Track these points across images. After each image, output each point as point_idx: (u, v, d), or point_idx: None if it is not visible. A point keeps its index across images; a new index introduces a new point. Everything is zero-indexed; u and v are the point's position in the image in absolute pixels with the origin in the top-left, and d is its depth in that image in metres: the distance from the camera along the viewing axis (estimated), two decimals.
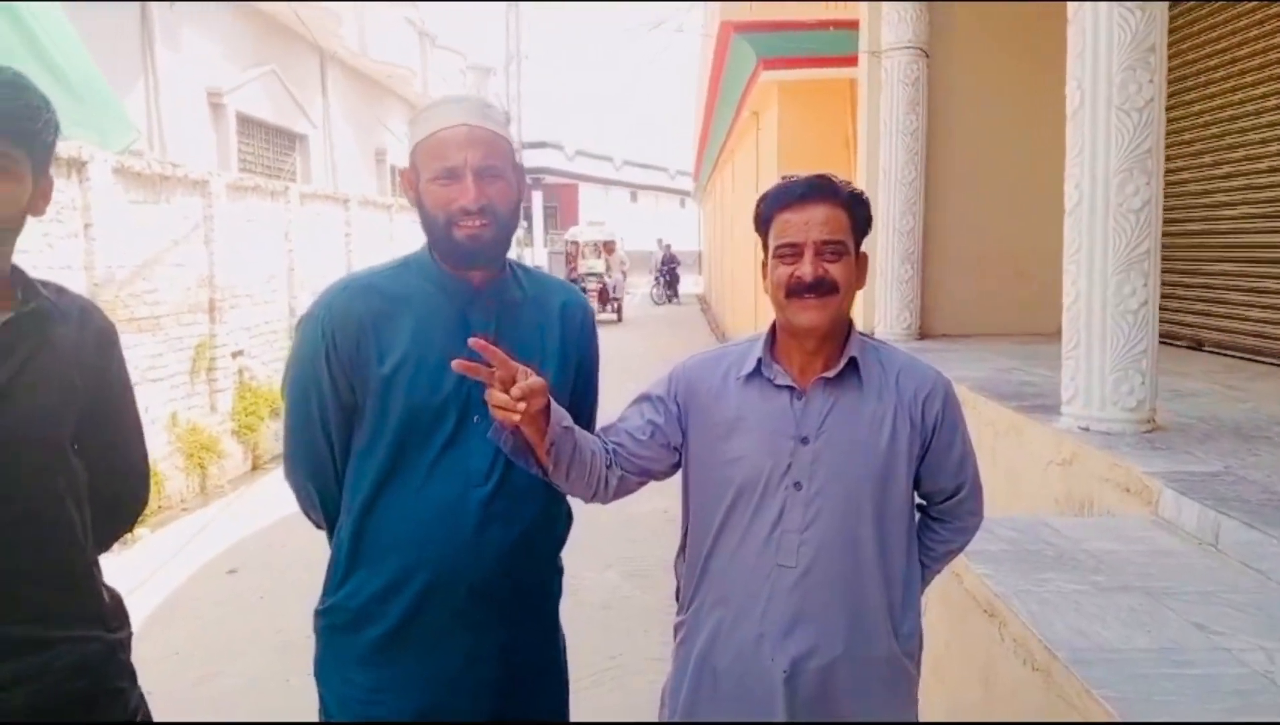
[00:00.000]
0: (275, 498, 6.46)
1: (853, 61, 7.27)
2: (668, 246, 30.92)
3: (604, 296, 22.61)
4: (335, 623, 1.80)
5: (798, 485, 1.62)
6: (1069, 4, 3.21)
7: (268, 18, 11.51)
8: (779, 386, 1.66)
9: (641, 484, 1.77)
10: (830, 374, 1.64)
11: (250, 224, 8.70)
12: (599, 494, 1.70)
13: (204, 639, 4.37)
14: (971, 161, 6.28)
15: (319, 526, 1.91)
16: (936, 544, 1.76)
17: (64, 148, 6.01)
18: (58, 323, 1.51)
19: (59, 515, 1.48)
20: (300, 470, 1.85)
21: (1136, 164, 3.05)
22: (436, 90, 18.57)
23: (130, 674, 1.60)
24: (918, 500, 1.74)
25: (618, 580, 5.11)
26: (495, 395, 1.45)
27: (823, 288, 1.60)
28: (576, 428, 1.64)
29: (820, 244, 1.61)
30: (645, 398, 1.77)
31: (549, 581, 1.93)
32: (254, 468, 8.18)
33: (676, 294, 29.84)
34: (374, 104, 15.94)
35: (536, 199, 34.16)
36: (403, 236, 13.23)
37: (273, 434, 8.27)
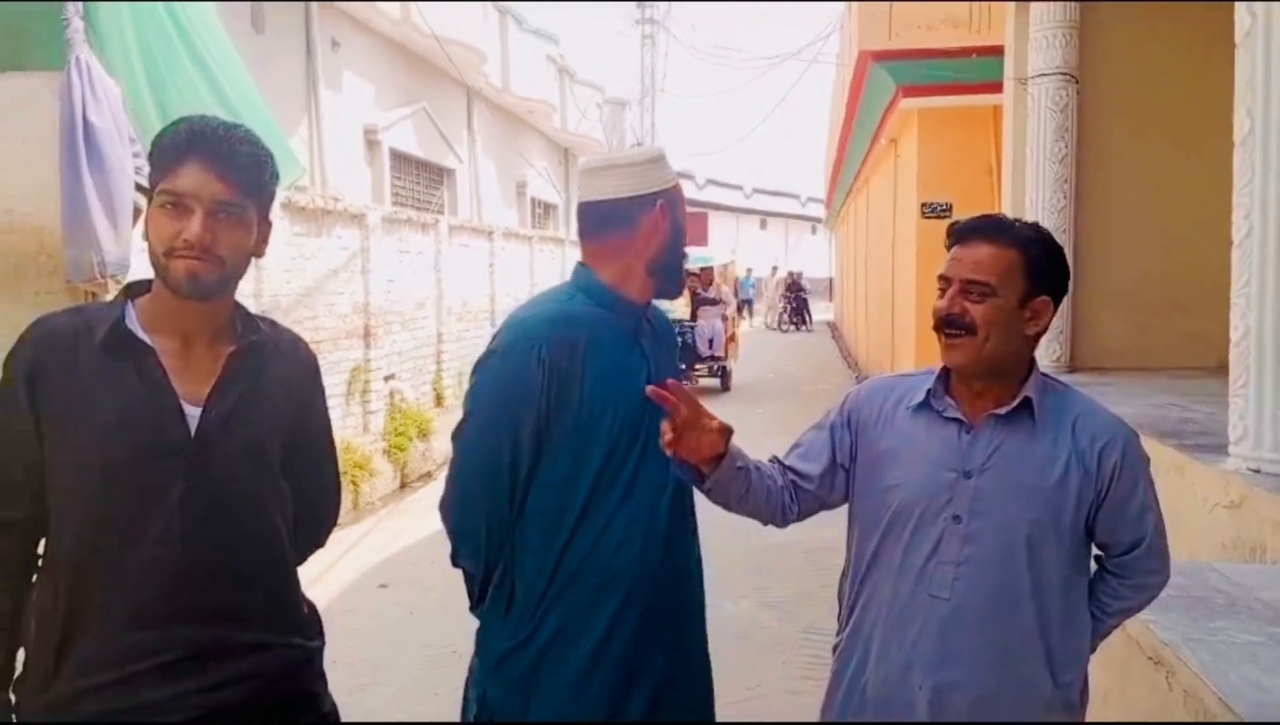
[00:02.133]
0: (423, 515, 6.74)
1: (996, 88, 7.12)
2: (799, 273, 30.70)
3: (693, 356, 13.72)
4: (538, 653, 1.81)
5: (957, 518, 1.64)
6: (1238, 27, 3.10)
7: (418, 58, 12.10)
8: (947, 419, 1.69)
9: (821, 509, 1.85)
10: (1001, 411, 1.65)
11: (403, 255, 9.15)
12: (775, 522, 1.82)
13: (358, 650, 4.59)
14: (1124, 190, 6.05)
15: (473, 572, 1.89)
16: (1111, 599, 1.71)
17: None
18: (272, 355, 1.66)
19: (272, 532, 1.63)
20: (476, 513, 1.84)
21: None
22: (574, 124, 19.07)
23: (323, 679, 1.73)
24: (1095, 552, 1.71)
25: (753, 611, 5.10)
26: (687, 418, 1.62)
27: (957, 326, 1.62)
28: (753, 465, 1.76)
29: (965, 282, 1.63)
30: (820, 425, 1.84)
31: (703, 599, 2.01)
32: (402, 486, 8.54)
33: (806, 321, 29.56)
34: (515, 138, 16.50)
35: None
36: (542, 267, 13.63)
37: (420, 454, 8.62)
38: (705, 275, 14.58)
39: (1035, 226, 1.69)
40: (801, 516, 1.83)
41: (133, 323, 1.55)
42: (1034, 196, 5.96)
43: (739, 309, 18.96)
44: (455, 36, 11.76)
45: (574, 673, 1.79)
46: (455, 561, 1.93)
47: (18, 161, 5.10)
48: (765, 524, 1.84)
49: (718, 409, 1.72)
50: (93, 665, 1.47)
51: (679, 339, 14.34)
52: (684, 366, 14.05)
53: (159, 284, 1.55)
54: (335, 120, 9.92)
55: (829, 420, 1.83)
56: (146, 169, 1.56)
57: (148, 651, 1.48)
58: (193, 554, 1.50)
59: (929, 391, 1.71)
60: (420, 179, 12.59)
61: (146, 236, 1.54)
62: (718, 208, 37.57)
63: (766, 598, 5.27)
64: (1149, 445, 3.52)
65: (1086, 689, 1.69)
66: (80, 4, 4.85)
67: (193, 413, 1.53)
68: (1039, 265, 1.64)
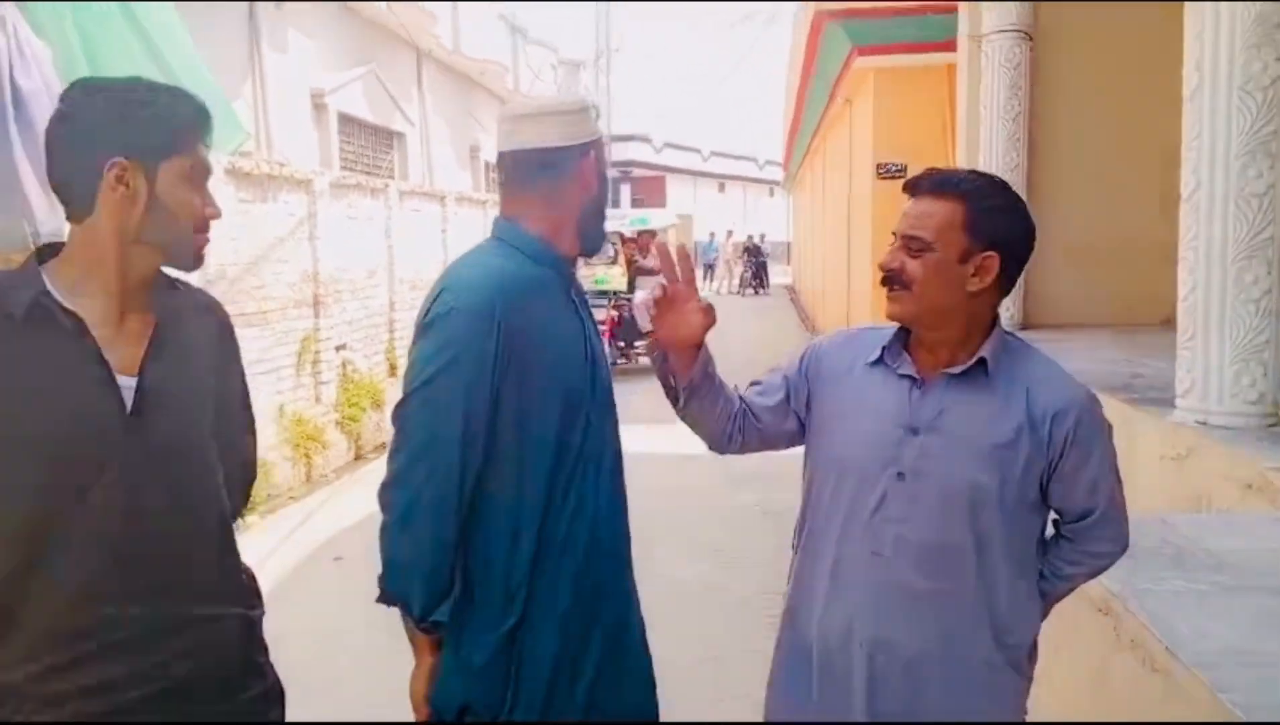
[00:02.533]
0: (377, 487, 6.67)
1: (951, 46, 7.10)
2: (759, 237, 30.73)
3: (616, 328, 12.16)
4: (521, 645, 1.74)
5: (900, 476, 1.62)
6: None
7: (366, 19, 11.80)
8: (901, 375, 1.67)
9: (763, 449, 1.84)
10: (954, 370, 1.63)
11: (352, 221, 8.97)
12: (718, 446, 1.82)
13: (314, 621, 4.54)
14: (1076, 146, 6.09)
15: (432, 596, 1.70)
16: (1062, 563, 1.70)
17: None
18: (191, 318, 1.62)
19: (213, 500, 1.60)
20: (443, 513, 1.67)
21: (1259, 147, 2.92)
22: (528, 85, 18.80)
23: (265, 649, 1.70)
24: (1052, 515, 1.70)
25: (712, 573, 5.12)
26: (677, 290, 1.68)
27: (896, 281, 1.61)
28: (719, 378, 1.77)
29: (906, 237, 1.61)
30: (778, 369, 1.83)
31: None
32: (356, 457, 8.44)
33: (765, 285, 29.66)
34: (467, 100, 16.21)
35: (624, 192, 34.29)
36: None
37: (373, 424, 8.52)
38: (644, 240, 13.00)
39: (989, 180, 1.64)
40: (743, 449, 1.83)
41: (57, 292, 1.48)
42: (988, 155, 5.97)
43: (705, 274, 18.52)
44: (402, 0, 11.49)
45: (553, 657, 1.74)
46: (397, 587, 1.70)
47: None
48: (709, 444, 1.84)
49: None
50: (38, 649, 1.43)
51: (616, 314, 12.08)
52: (622, 344, 12.25)
53: (98, 250, 1.49)
54: (280, 83, 9.65)
55: (788, 367, 1.83)
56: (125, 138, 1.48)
57: (96, 630, 1.45)
58: (135, 527, 1.47)
59: (884, 348, 1.69)
60: (369, 143, 12.33)
61: (143, 207, 1.49)
62: (675, 171, 37.40)
63: (725, 558, 5.30)
64: (1099, 400, 3.57)
65: (1035, 649, 1.68)
66: None
67: (126, 383, 1.48)
68: (982, 220, 1.58)
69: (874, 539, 1.64)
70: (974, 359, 1.62)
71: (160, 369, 1.52)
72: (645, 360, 13.04)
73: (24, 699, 1.43)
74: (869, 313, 10.06)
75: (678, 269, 1.71)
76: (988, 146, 5.98)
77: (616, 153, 26.68)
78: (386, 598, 1.73)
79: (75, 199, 1.49)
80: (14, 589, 1.43)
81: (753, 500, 6.33)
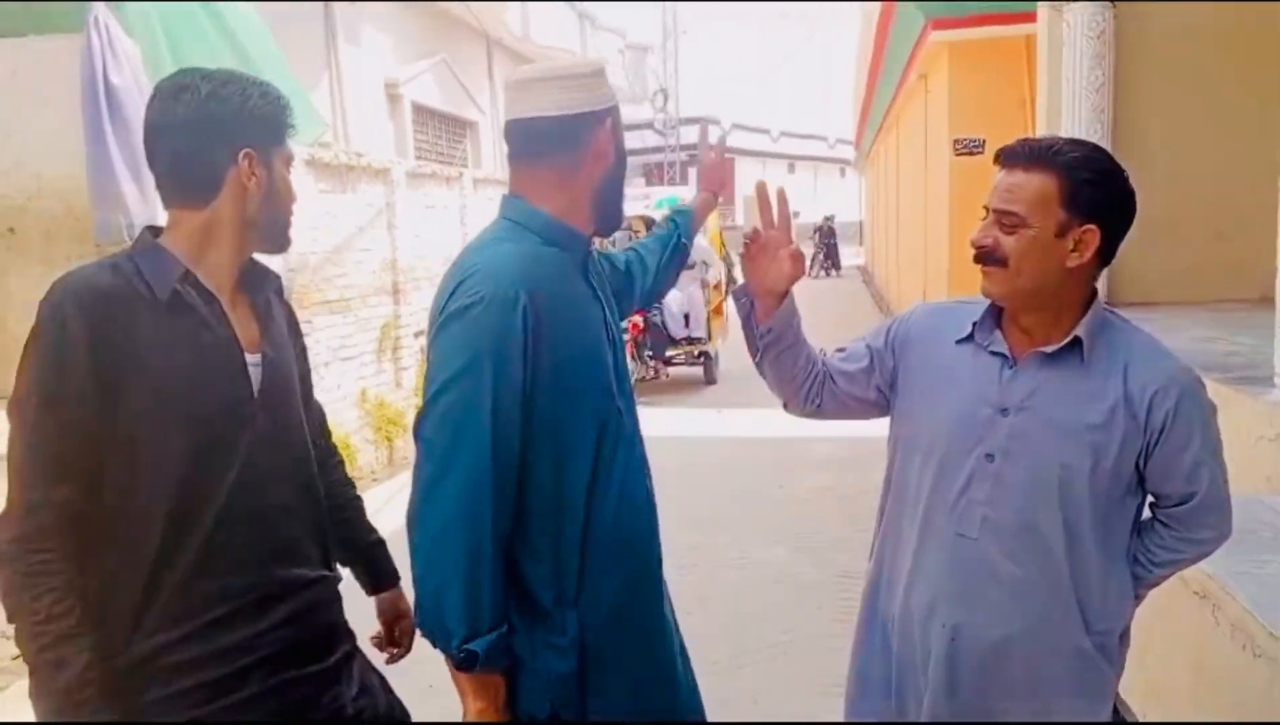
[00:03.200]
0: None
1: (1030, 18, 6.90)
2: (830, 217, 30.31)
3: (640, 336, 10.16)
4: (588, 644, 1.66)
5: (989, 457, 1.59)
6: None
7: (438, 8, 11.95)
8: (992, 353, 1.62)
9: (839, 416, 1.83)
10: (1048, 349, 1.58)
11: (428, 210, 9.12)
12: (794, 403, 1.82)
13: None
14: (1163, 117, 5.87)
15: (472, 624, 1.52)
16: (1159, 549, 1.63)
17: None
18: (275, 301, 1.72)
19: (312, 474, 1.70)
20: (479, 529, 1.52)
21: None
22: None
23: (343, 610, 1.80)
24: (1150, 499, 1.65)
25: (786, 557, 5.10)
26: (771, 235, 1.69)
27: (990, 259, 1.55)
28: (802, 336, 1.77)
29: (999, 212, 1.55)
30: (862, 339, 1.81)
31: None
32: (414, 438, 8.60)
33: (836, 266, 29.25)
34: None
35: (691, 176, 34.12)
36: None
37: None
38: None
39: (1087, 147, 1.57)
40: (820, 413, 1.81)
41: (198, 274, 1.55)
42: (1070, 128, 5.79)
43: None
44: None
45: (614, 654, 1.67)
46: (430, 620, 1.53)
47: (43, 126, 5.14)
48: (783, 399, 1.82)
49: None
50: (175, 618, 1.49)
51: (640, 319, 9.61)
52: (651, 356, 10.15)
53: (219, 235, 1.57)
54: (356, 75, 9.84)
55: (873, 338, 1.80)
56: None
57: (226, 597, 1.53)
58: (263, 498, 1.57)
59: (975, 324, 1.65)
60: (443, 132, 12.50)
61: (265, 193, 1.58)
62: (744, 153, 37.07)
63: (800, 543, 5.27)
64: None
65: (1127, 636, 1.64)
66: None
67: (252, 362, 1.58)
68: (1080, 192, 1.51)
69: (960, 520, 1.61)
70: (1069, 337, 1.56)
71: (272, 348, 1.62)
72: (678, 372, 10.84)
73: (157, 667, 1.48)
74: (946, 293, 9.87)
75: (775, 212, 1.68)
76: (1069, 119, 5.80)
77: (683, 136, 26.54)
78: (424, 632, 1.58)
79: (198, 185, 1.55)
80: (159, 562, 1.48)
81: (826, 484, 6.29)
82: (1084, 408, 1.55)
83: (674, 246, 2.20)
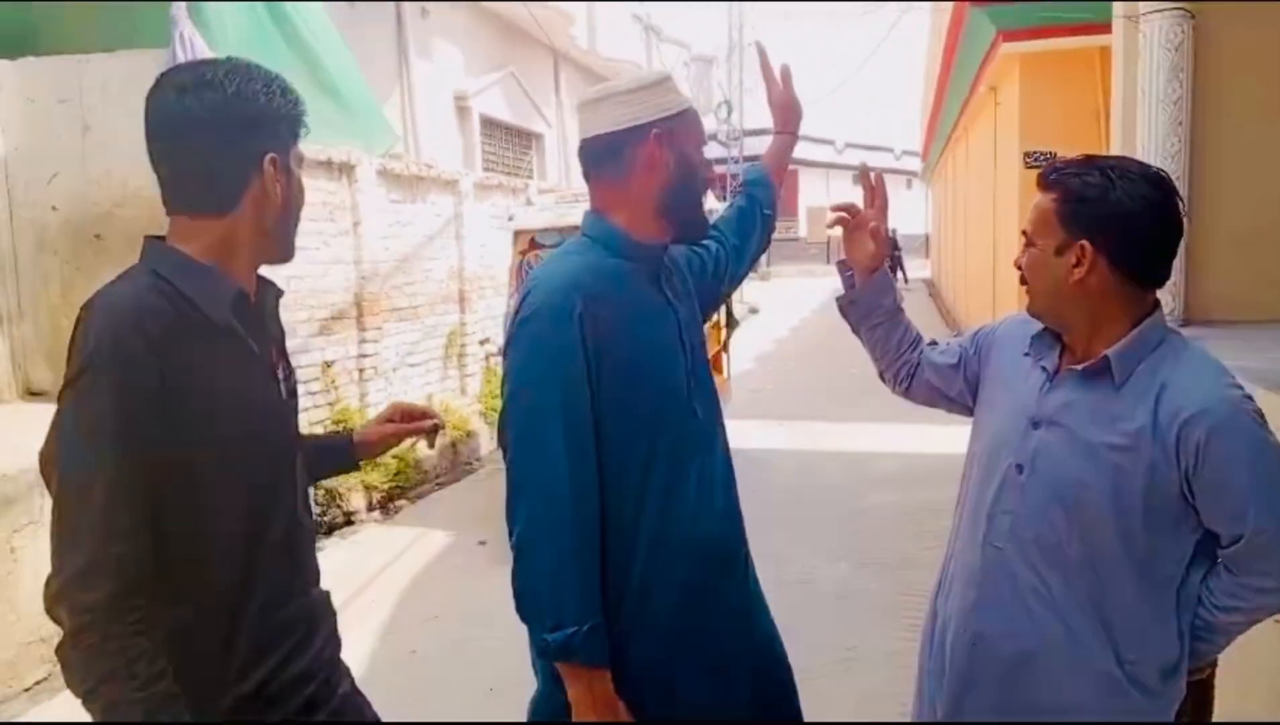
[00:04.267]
0: None
1: (1104, 29, 6.76)
2: (893, 230, 29.99)
3: None
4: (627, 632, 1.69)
5: (1019, 468, 1.61)
6: None
7: (506, 22, 12.14)
8: (1041, 368, 1.66)
9: (927, 402, 1.93)
10: (1079, 367, 1.59)
11: (494, 220, 9.26)
12: (886, 378, 1.96)
13: (459, 604, 4.73)
14: (1244, 130, 5.70)
15: (559, 615, 1.58)
16: (1220, 593, 1.54)
17: (336, 153, 6.64)
18: (275, 312, 1.60)
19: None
20: (559, 527, 1.58)
21: None
22: None
23: None
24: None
25: (850, 573, 5.05)
26: (866, 215, 1.86)
27: (1022, 277, 1.65)
28: (901, 317, 1.91)
29: (1023, 233, 1.64)
30: (960, 338, 1.90)
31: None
32: (499, 447, 8.71)
33: (903, 280, 28.94)
34: None
35: None
36: None
37: None
38: None
39: (1090, 165, 1.56)
40: (908, 395, 1.94)
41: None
42: (1146, 142, 5.66)
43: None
44: (542, 1, 11.75)
45: (649, 661, 1.69)
46: (525, 612, 1.62)
47: (131, 136, 5.31)
48: (878, 366, 1.96)
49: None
50: (262, 650, 1.42)
51: None
52: None
53: (238, 242, 1.43)
54: (426, 88, 10.05)
55: (963, 339, 1.89)
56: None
57: (294, 623, 1.47)
58: (302, 519, 1.53)
59: (1033, 337, 1.69)
60: (509, 144, 12.68)
61: (284, 200, 1.45)
62: (808, 164, 36.88)
63: (864, 559, 5.21)
64: (1274, 400, 3.34)
65: (1176, 674, 1.55)
66: None
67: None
68: (1072, 209, 1.53)
69: (991, 529, 1.64)
70: (1097, 357, 1.56)
71: (286, 367, 1.55)
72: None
73: (249, 707, 1.40)
74: (1016, 305, 9.70)
75: (875, 195, 1.88)
76: (1146, 133, 5.67)
77: (749, 147, 26.47)
78: (522, 620, 1.66)
79: (219, 191, 1.40)
80: (238, 599, 1.39)
81: (892, 500, 6.22)
82: (1108, 428, 1.52)
83: (755, 221, 2.07)
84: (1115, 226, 1.52)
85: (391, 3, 9.53)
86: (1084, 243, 1.53)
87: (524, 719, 1.81)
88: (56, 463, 1.28)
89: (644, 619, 1.68)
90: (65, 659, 1.26)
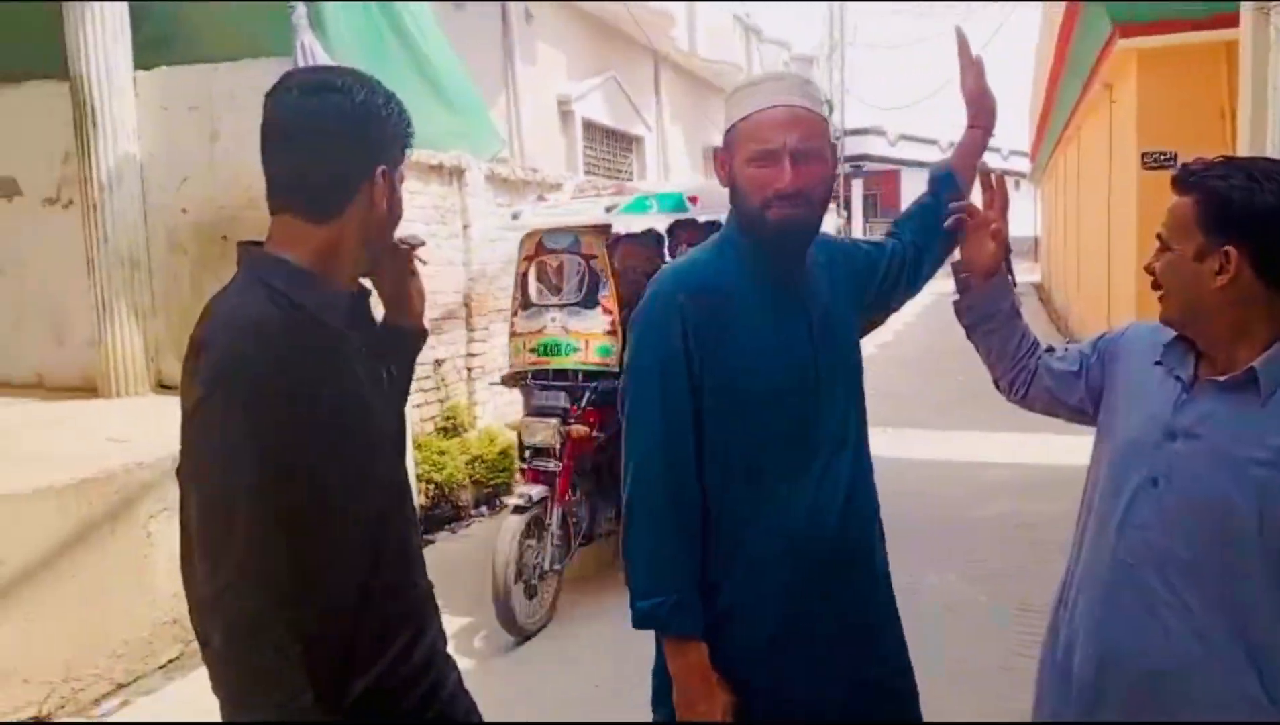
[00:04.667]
0: None
1: (1229, 21, 6.45)
2: None
3: (575, 461, 4.72)
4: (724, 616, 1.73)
5: (1153, 481, 1.55)
6: None
7: (608, 26, 12.26)
8: (1176, 378, 1.59)
9: (1044, 410, 1.86)
10: (1221, 378, 1.52)
11: None
12: (1001, 384, 1.90)
13: (566, 598, 4.78)
14: None
15: (652, 585, 1.67)
16: None
17: (447, 158, 6.82)
18: None
19: None
20: (654, 503, 1.68)
21: None
22: None
23: None
24: None
25: (960, 585, 4.93)
26: (986, 215, 1.83)
27: (1154, 283, 1.58)
28: (1018, 321, 1.86)
29: (1157, 236, 1.58)
30: (1080, 345, 1.84)
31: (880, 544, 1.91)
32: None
33: (1013, 282, 28.06)
34: (702, 102, 16.47)
35: (856, 187, 33.53)
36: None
37: None
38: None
39: (1233, 166, 1.50)
40: (1025, 402, 1.88)
41: None
42: (1276, 139, 5.39)
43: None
44: (644, 2, 11.83)
45: (749, 648, 1.71)
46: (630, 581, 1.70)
47: (254, 141, 5.58)
48: (994, 372, 1.91)
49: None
50: (382, 644, 1.46)
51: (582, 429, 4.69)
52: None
53: (342, 252, 1.45)
54: (530, 92, 10.23)
55: (1084, 346, 1.83)
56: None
57: (409, 617, 1.51)
58: (410, 515, 1.58)
59: (1165, 346, 1.62)
60: (610, 147, 12.80)
61: (387, 213, 1.48)
62: (911, 164, 36.18)
63: (976, 571, 5.08)
64: None
65: None
66: None
67: None
68: (1215, 211, 1.47)
69: (1122, 544, 1.58)
70: (1242, 370, 1.49)
71: (389, 362, 1.62)
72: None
73: (376, 698, 1.42)
74: (1133, 311, 9.34)
75: (995, 195, 1.84)
76: (1276, 131, 5.40)
77: (850, 147, 26.09)
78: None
79: (326, 197, 1.41)
80: (359, 593, 1.43)
81: (1006, 511, 6.05)
82: (1253, 443, 1.46)
83: (938, 224, 1.97)
84: (1262, 231, 1.46)
85: (498, 5, 9.72)
86: (1228, 248, 1.48)
87: (639, 706, 1.86)
88: (195, 479, 1.31)
89: (747, 602, 1.71)
90: (215, 668, 1.29)
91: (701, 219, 5.19)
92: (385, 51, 5.83)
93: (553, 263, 5.06)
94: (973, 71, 2.03)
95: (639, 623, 1.67)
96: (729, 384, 1.70)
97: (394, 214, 1.50)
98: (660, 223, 5.45)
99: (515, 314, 5.14)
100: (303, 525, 1.33)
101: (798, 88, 1.71)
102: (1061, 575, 1.78)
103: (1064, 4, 9.74)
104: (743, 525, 1.71)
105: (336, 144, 1.40)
